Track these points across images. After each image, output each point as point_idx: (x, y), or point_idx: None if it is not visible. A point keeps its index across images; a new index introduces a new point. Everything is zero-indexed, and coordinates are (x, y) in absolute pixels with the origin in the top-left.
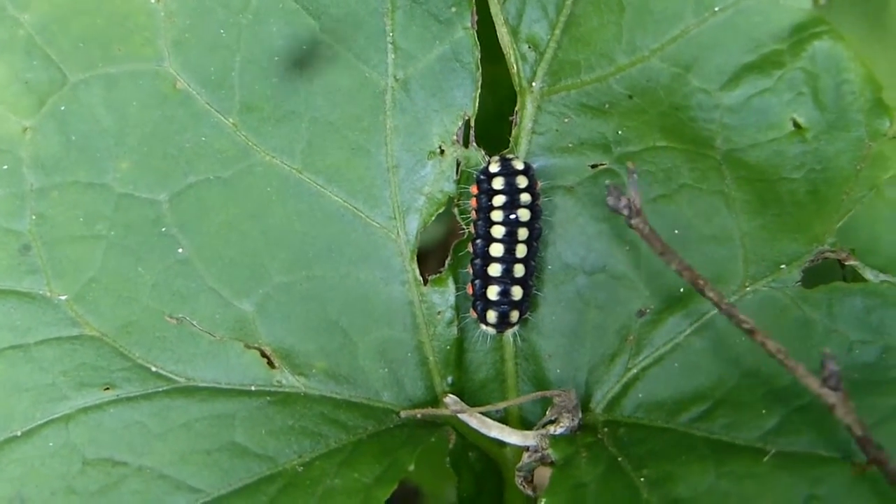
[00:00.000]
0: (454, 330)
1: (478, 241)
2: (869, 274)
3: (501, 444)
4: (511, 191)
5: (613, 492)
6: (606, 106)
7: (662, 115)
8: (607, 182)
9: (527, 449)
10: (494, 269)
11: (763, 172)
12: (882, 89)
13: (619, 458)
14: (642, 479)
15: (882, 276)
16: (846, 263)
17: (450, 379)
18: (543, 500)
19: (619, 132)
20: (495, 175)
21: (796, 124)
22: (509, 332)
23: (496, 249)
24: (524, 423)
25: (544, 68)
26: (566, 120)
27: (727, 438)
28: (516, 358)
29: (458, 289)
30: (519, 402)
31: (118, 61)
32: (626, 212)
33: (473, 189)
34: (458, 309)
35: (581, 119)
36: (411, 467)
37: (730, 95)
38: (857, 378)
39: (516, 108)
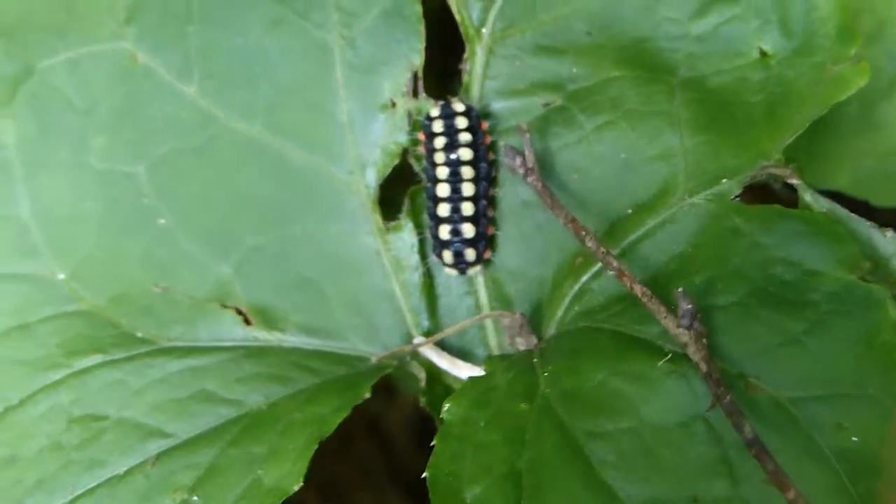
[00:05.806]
0: (420, 275)
1: (428, 184)
2: (808, 196)
3: None
4: (451, 132)
5: (516, 390)
6: (563, 45)
7: (622, 48)
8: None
9: None
10: (443, 210)
11: (722, 95)
12: (851, 15)
13: (535, 360)
14: (546, 375)
15: (821, 200)
16: (788, 181)
17: (425, 325)
18: (447, 405)
19: (574, 70)
20: (435, 119)
21: (762, 52)
22: (476, 275)
23: (442, 190)
24: None
25: (495, 13)
26: (518, 63)
27: (631, 332)
28: (491, 302)
29: (419, 233)
30: (461, 327)
31: (77, 45)
32: (521, 170)
33: (421, 136)
34: (425, 256)
35: (535, 61)
36: (367, 395)
37: (698, 24)
38: (773, 292)
39: (465, 56)
